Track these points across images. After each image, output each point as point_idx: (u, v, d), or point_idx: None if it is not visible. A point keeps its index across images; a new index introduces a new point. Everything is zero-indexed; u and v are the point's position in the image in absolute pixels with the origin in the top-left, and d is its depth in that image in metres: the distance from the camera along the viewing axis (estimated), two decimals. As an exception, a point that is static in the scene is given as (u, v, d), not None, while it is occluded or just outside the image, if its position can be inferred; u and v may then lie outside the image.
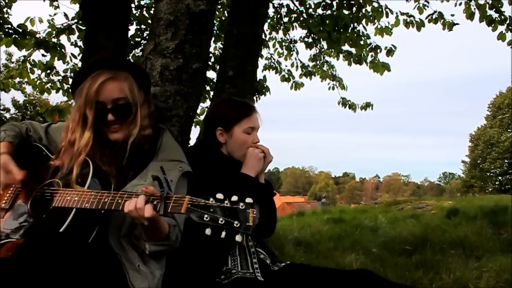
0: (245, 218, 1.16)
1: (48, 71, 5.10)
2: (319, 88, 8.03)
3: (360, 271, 1.58)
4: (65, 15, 4.73)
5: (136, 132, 1.57)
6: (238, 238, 1.16)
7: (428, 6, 4.81)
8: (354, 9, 4.73)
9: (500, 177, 32.11)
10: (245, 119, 1.90)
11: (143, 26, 4.87)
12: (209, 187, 1.37)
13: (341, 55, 5.58)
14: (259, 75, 5.17)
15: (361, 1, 4.68)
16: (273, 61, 6.35)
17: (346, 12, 4.72)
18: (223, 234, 1.16)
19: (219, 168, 1.81)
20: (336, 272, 1.63)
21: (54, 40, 4.69)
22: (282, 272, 1.67)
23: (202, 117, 5.11)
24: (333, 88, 6.16)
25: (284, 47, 6.27)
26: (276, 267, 1.72)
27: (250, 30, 3.18)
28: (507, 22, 4.44)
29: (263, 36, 5.26)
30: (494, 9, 4.43)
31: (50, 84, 5.25)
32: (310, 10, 5.19)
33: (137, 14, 4.79)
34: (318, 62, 6.06)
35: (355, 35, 5.03)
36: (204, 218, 1.18)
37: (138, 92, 1.60)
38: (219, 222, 1.17)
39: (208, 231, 1.17)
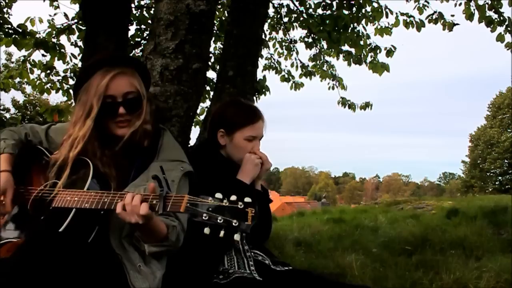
0: (243, 217, 1.17)
1: (48, 71, 5.11)
2: (319, 88, 8.04)
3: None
4: (65, 15, 4.74)
5: (138, 124, 1.57)
6: (236, 237, 1.16)
7: (428, 7, 4.81)
8: (354, 9, 4.73)
9: (500, 177, 32.13)
10: (248, 126, 1.86)
11: (143, 26, 4.88)
12: (206, 188, 1.37)
13: (341, 55, 5.58)
14: (259, 75, 5.17)
15: (361, 1, 4.68)
16: (273, 61, 6.35)
17: (346, 12, 4.72)
18: (222, 233, 1.16)
19: (217, 170, 1.81)
20: (338, 285, 1.65)
21: (54, 40, 4.69)
22: (284, 275, 1.67)
23: (202, 117, 5.12)
24: (333, 88, 6.17)
25: (284, 47, 6.27)
26: (277, 267, 1.72)
27: (250, 30, 3.19)
28: (506, 23, 4.44)
29: (263, 36, 5.26)
30: (494, 10, 4.43)
31: (50, 84, 5.26)
32: (310, 10, 5.20)
33: (137, 14, 4.80)
34: (318, 62, 6.06)
35: (355, 35, 5.04)
36: (203, 217, 1.18)
37: (144, 88, 1.63)
38: (218, 221, 1.17)
39: (206, 230, 1.17)
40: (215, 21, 3.71)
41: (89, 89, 1.55)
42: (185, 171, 1.63)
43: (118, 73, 1.55)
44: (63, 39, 4.81)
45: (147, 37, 4.24)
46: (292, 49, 6.20)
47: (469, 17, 4.54)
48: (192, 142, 2.39)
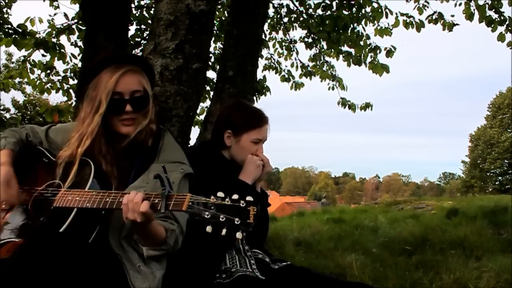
0: (245, 215, 1.17)
1: (48, 71, 5.11)
2: (319, 88, 8.02)
3: (357, 285, 1.65)
4: (65, 15, 4.74)
5: (145, 123, 1.58)
6: (238, 235, 1.17)
7: (428, 7, 4.81)
8: (354, 9, 4.73)
9: (500, 177, 32.14)
10: (256, 129, 1.89)
11: (143, 26, 4.88)
12: (206, 189, 1.38)
13: (340, 56, 5.57)
14: (259, 75, 5.18)
15: (361, 1, 4.68)
16: (273, 61, 6.35)
17: (346, 12, 4.72)
18: (224, 231, 1.17)
19: (218, 171, 1.82)
20: (334, 282, 1.66)
21: (54, 40, 4.69)
22: (282, 272, 1.69)
23: (202, 117, 5.12)
24: (333, 88, 6.16)
25: (284, 47, 6.26)
26: (276, 266, 1.73)
27: (250, 30, 3.18)
28: (507, 22, 4.44)
29: (263, 36, 5.26)
30: (494, 10, 4.43)
31: (50, 84, 5.25)
32: (310, 10, 5.20)
33: (137, 14, 4.80)
34: (318, 62, 6.06)
35: (355, 35, 5.04)
36: (205, 216, 1.19)
37: (151, 88, 1.64)
38: (220, 219, 1.17)
39: (209, 229, 1.18)
40: (215, 21, 3.71)
41: (99, 85, 1.55)
42: (185, 172, 1.63)
43: (127, 71, 1.56)
44: (63, 39, 4.81)
45: (147, 37, 4.24)
46: (292, 49, 6.19)
47: (469, 17, 4.55)
48: (192, 142, 2.39)
